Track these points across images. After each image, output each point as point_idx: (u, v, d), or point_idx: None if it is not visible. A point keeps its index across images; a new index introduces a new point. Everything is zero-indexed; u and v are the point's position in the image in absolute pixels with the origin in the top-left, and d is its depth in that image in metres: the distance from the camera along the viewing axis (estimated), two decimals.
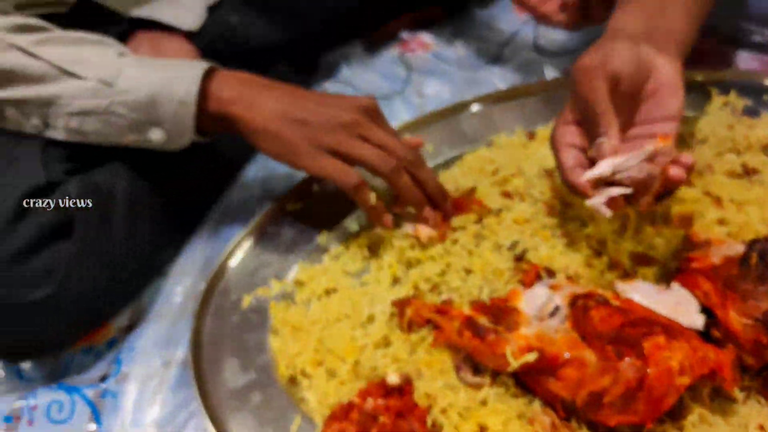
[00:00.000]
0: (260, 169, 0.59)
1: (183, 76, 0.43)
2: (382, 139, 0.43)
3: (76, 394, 0.45)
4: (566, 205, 0.49)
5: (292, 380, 0.43)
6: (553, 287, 0.42)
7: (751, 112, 0.57)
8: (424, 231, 0.47)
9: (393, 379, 0.39)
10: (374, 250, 0.49)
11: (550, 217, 0.49)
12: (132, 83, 0.42)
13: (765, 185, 0.49)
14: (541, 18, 0.64)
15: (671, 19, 0.46)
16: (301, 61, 0.71)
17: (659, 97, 0.43)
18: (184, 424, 0.43)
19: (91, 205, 0.43)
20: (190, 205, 0.55)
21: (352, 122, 0.43)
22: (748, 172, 0.50)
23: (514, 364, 0.36)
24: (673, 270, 0.42)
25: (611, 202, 0.40)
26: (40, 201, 0.42)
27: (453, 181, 0.54)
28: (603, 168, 0.40)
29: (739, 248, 0.40)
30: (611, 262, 0.44)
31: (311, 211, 0.54)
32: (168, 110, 0.43)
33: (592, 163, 0.42)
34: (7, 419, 0.45)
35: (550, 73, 0.68)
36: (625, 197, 0.40)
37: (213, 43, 0.65)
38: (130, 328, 0.49)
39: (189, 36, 0.64)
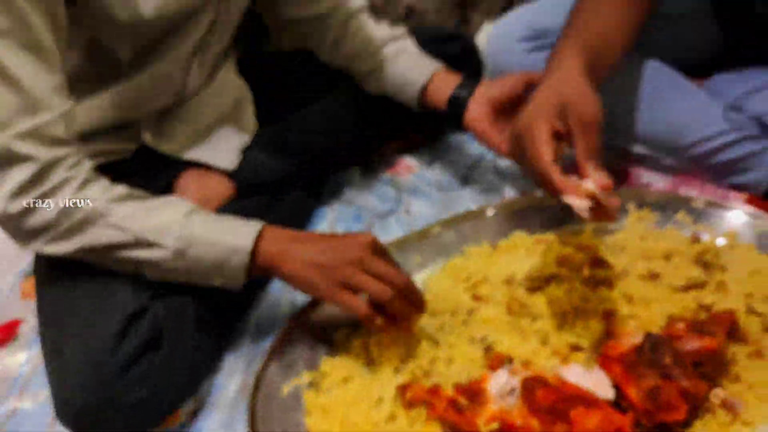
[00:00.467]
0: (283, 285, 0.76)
1: (240, 243, 0.59)
2: (381, 270, 0.58)
3: None
4: (521, 306, 0.66)
5: None
6: (512, 372, 0.57)
7: (660, 225, 0.75)
8: None
9: None
10: (379, 347, 0.64)
11: (509, 316, 0.65)
12: (201, 251, 0.58)
13: (665, 286, 0.65)
14: (492, 147, 0.82)
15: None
16: (312, 187, 0.89)
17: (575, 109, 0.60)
18: None
19: (174, 323, 0.58)
20: (232, 316, 0.71)
21: (358, 259, 0.58)
22: (653, 276, 0.67)
23: (484, 431, 0.52)
24: (597, 356, 0.58)
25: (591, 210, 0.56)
26: (138, 323, 0.57)
27: (437, 286, 0.71)
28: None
29: (640, 339, 0.56)
30: (554, 350, 0.60)
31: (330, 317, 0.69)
32: (228, 269, 0.59)
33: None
34: None
35: (510, 192, 0.86)
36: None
37: (246, 178, 0.82)
38: (195, 413, 0.64)
39: (228, 172, 0.82)
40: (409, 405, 0.57)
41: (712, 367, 0.55)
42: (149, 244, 0.58)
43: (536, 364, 0.59)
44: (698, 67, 0.88)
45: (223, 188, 0.81)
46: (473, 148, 0.94)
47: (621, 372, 0.54)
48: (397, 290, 0.58)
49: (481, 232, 0.77)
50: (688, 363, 0.52)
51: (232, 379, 0.66)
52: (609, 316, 0.62)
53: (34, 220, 0.57)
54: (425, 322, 0.65)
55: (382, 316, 0.58)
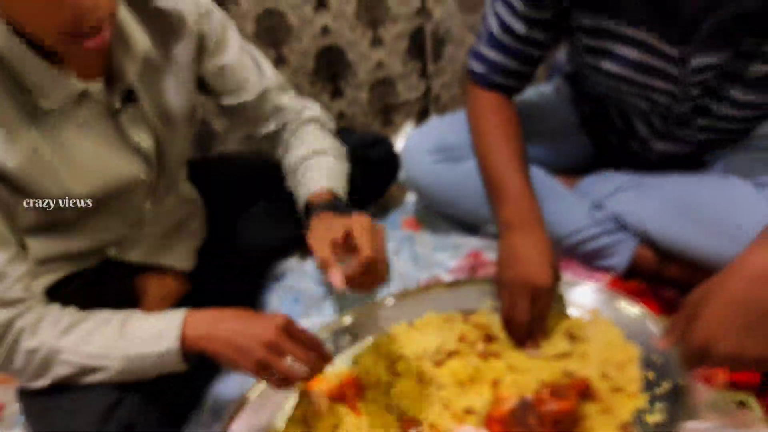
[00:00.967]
0: None
1: (169, 346, 0.68)
2: (294, 352, 0.68)
3: None
4: (428, 377, 0.81)
5: None
6: None
7: None
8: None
9: None
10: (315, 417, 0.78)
11: (419, 386, 0.80)
12: (138, 363, 0.69)
13: (541, 357, 0.82)
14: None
15: None
16: (257, 276, 1.03)
17: None
18: None
19: (146, 409, 0.70)
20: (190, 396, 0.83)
21: (273, 342, 0.67)
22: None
23: None
24: (485, 417, 0.74)
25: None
26: (117, 412, 0.69)
27: (364, 362, 0.85)
28: None
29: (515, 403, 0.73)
30: (453, 414, 0.75)
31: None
32: (167, 365, 0.70)
33: None
34: None
35: (423, 278, 1.03)
36: None
37: (201, 276, 0.95)
38: None
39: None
40: None
41: (568, 424, 0.71)
42: (95, 370, 0.69)
43: (440, 426, 0.74)
44: (573, 169, 1.09)
45: (179, 286, 0.94)
46: (397, 235, 1.10)
47: (500, 430, 0.69)
48: (308, 366, 0.68)
49: (401, 313, 0.93)
50: (547, 421, 0.69)
51: None
52: (497, 384, 0.78)
53: (8, 369, 0.69)
54: (352, 392, 0.80)
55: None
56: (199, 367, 0.73)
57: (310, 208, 0.85)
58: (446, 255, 1.04)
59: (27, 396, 0.73)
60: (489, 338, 0.84)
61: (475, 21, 1.31)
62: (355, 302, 0.96)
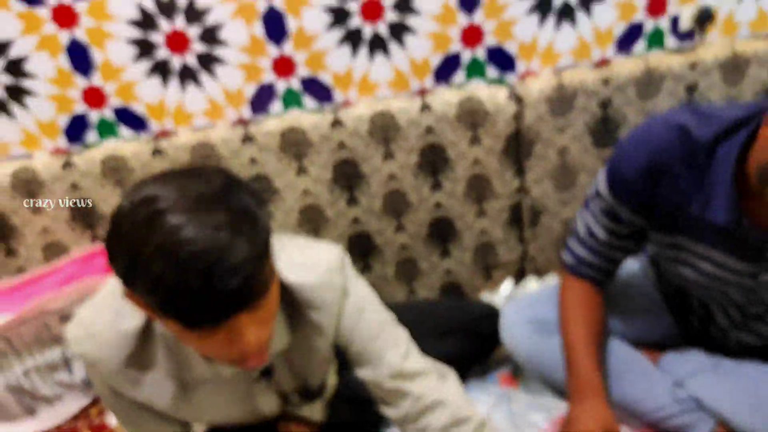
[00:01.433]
0: None
1: None
2: None
3: None
4: None
5: None
6: None
7: None
8: None
9: None
10: None
11: None
12: None
13: None
14: None
15: None
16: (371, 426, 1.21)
17: None
18: None
19: None
20: None
21: None
22: None
23: None
24: None
25: None
26: None
27: None
28: None
29: None
30: None
31: None
32: None
33: None
34: None
35: None
36: None
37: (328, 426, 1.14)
38: None
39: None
40: None
41: None
42: None
43: None
44: (657, 343, 1.20)
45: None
46: (495, 391, 1.25)
47: None
48: None
49: None
50: None
51: None
52: None
53: None
54: None
55: None
56: None
57: None
58: (540, 417, 1.17)
59: None
60: None
61: (569, 197, 1.48)
62: None
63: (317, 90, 1.47)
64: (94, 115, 1.45)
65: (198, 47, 1.40)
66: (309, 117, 1.40)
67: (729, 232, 0.91)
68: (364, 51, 1.43)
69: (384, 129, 1.40)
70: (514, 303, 1.26)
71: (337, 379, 1.19)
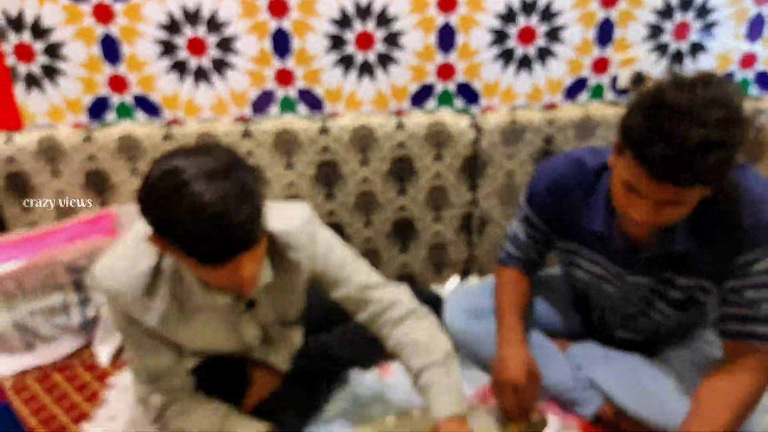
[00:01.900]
0: None
1: None
2: None
3: None
4: None
5: None
6: None
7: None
8: None
9: None
10: None
11: None
12: None
13: None
14: None
15: None
16: (330, 379, 1.43)
17: None
18: None
19: None
20: None
21: None
22: None
23: None
24: None
25: None
26: None
27: None
28: None
29: None
30: None
31: None
32: None
33: None
34: None
35: None
36: None
37: (291, 375, 1.36)
38: None
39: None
40: None
41: None
42: None
43: None
44: (568, 335, 1.46)
45: (275, 381, 1.32)
46: None
47: None
48: None
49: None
50: None
51: None
52: None
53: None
54: None
55: None
56: None
57: None
58: (468, 385, 1.40)
59: None
60: None
61: (511, 212, 1.74)
62: None
63: (310, 100, 1.71)
64: (115, 99, 1.66)
65: (214, 52, 1.63)
66: (301, 122, 1.64)
67: (604, 238, 1.18)
68: (354, 73, 1.68)
69: (363, 139, 1.64)
70: (456, 294, 1.51)
71: (302, 340, 1.42)
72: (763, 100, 1.72)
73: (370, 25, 1.63)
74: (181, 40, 1.61)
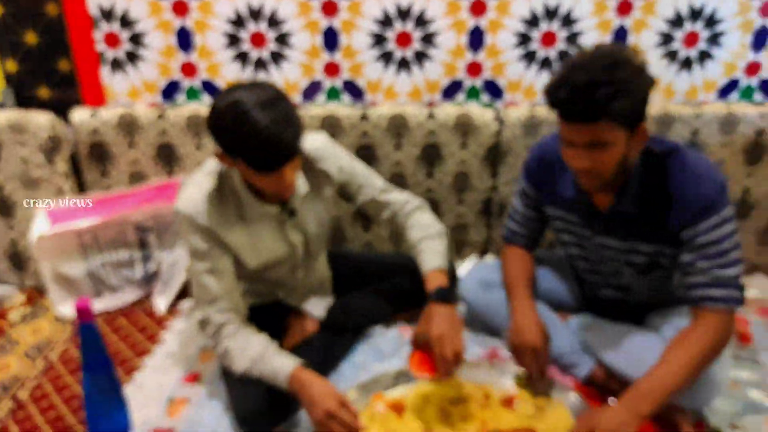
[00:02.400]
0: None
1: (280, 379, 1.26)
2: (346, 421, 1.18)
3: None
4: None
5: None
6: None
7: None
8: None
9: None
10: None
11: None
12: (280, 378, 1.26)
13: (515, 413, 1.33)
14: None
15: None
16: (356, 333, 1.62)
17: None
18: None
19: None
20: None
21: (332, 411, 1.17)
22: (507, 404, 1.35)
23: None
24: None
25: None
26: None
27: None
28: None
29: None
30: None
31: None
32: (277, 384, 1.27)
33: None
34: None
35: None
36: None
37: (327, 323, 1.55)
38: None
39: (317, 318, 1.56)
40: None
41: None
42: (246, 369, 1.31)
43: None
44: (568, 308, 1.60)
45: (312, 327, 1.55)
46: None
47: None
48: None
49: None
50: None
51: None
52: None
53: (214, 351, 1.34)
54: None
55: None
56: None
57: (429, 295, 1.38)
58: (479, 348, 1.55)
59: (225, 371, 1.37)
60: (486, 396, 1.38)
61: None
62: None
63: (353, 90, 1.91)
64: (186, 83, 1.90)
65: (272, 46, 1.84)
66: (344, 109, 1.83)
67: (574, 202, 1.36)
68: (393, 67, 1.88)
69: (398, 127, 1.83)
70: (471, 269, 1.68)
71: (329, 274, 1.63)
72: (766, 105, 1.83)
73: (409, 26, 1.82)
74: (245, 34, 1.83)
